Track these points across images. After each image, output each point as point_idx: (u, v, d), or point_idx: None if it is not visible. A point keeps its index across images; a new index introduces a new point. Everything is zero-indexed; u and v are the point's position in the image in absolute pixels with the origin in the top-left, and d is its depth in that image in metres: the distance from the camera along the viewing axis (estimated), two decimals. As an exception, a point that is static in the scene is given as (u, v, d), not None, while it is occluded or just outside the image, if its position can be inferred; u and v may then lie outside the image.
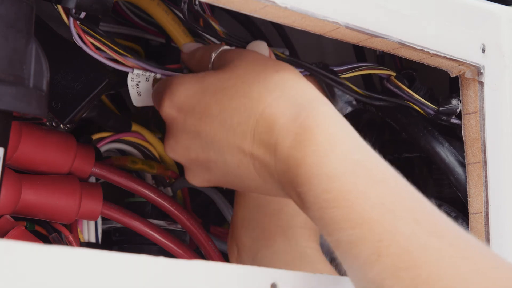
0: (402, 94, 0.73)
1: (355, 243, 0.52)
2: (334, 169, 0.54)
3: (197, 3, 0.67)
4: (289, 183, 0.56)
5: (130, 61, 0.67)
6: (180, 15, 0.79)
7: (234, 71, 0.60)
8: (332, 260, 0.71)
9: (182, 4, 0.66)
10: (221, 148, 0.60)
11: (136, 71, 0.67)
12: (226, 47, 0.65)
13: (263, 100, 0.58)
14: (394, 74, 0.73)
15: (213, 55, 0.65)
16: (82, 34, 0.64)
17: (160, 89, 0.65)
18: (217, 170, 0.62)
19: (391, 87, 0.73)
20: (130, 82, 0.68)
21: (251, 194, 0.70)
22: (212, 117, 0.59)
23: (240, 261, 0.72)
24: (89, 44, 0.64)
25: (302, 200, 0.55)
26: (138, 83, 0.68)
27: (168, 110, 0.62)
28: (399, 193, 0.53)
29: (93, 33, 0.64)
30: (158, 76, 0.68)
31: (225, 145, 0.59)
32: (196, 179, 0.64)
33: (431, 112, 0.73)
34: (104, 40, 0.65)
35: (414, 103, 0.73)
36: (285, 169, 0.56)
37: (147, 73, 0.68)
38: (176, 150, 0.63)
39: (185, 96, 0.61)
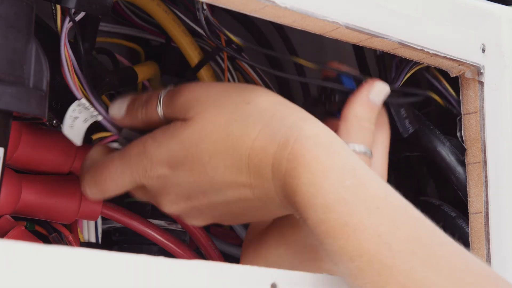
0: (438, 86, 0.73)
1: (356, 275, 0.53)
2: (329, 198, 0.54)
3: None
4: (292, 207, 0.57)
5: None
6: (180, 14, 0.79)
7: (205, 117, 0.60)
8: None
9: (198, 14, 0.64)
10: (221, 187, 0.60)
11: (83, 102, 0.65)
12: (170, 88, 0.63)
13: (248, 137, 0.58)
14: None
15: (162, 95, 0.63)
16: (69, 55, 0.63)
17: (128, 161, 0.63)
18: (222, 208, 0.62)
19: (429, 77, 0.73)
20: (71, 113, 0.66)
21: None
22: (203, 164, 0.59)
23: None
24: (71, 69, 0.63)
25: (307, 225, 0.56)
26: (77, 118, 0.66)
27: (156, 171, 0.61)
28: (394, 220, 0.54)
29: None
30: (100, 118, 0.66)
31: (223, 184, 0.59)
32: (202, 222, 0.64)
33: (455, 107, 0.73)
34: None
35: (446, 95, 0.73)
36: (285, 194, 0.57)
37: (92, 111, 0.66)
38: (178, 203, 0.62)
39: (167, 153, 0.60)
